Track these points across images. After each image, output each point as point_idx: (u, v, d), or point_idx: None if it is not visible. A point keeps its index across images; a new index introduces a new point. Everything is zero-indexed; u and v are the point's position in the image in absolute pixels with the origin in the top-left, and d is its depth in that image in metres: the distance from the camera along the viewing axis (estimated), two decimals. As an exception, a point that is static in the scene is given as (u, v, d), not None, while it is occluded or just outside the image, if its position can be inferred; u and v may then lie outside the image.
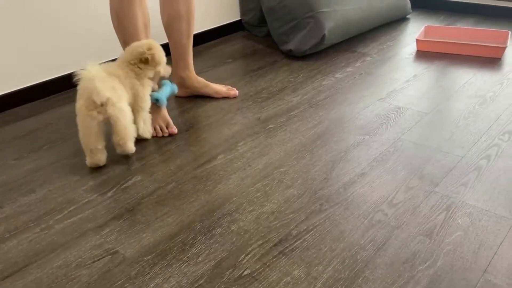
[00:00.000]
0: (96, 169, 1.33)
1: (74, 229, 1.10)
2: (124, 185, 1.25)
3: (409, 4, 2.45)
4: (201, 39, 2.30)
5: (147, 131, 1.44)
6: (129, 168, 1.33)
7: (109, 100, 1.22)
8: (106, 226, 1.10)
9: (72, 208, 1.17)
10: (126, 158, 1.37)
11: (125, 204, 1.18)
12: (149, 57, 1.34)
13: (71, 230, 1.10)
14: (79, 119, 1.26)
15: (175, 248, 1.03)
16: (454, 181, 1.20)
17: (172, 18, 1.57)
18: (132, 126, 1.32)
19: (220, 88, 1.72)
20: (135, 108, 1.37)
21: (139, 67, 1.35)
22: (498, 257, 0.96)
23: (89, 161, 1.32)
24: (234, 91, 1.73)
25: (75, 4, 1.79)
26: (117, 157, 1.38)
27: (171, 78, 1.58)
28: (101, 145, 1.29)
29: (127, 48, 1.37)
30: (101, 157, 1.31)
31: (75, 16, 1.80)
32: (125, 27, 1.41)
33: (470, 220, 1.06)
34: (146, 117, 1.42)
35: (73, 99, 1.77)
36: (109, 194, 1.22)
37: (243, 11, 2.42)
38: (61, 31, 1.78)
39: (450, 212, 1.09)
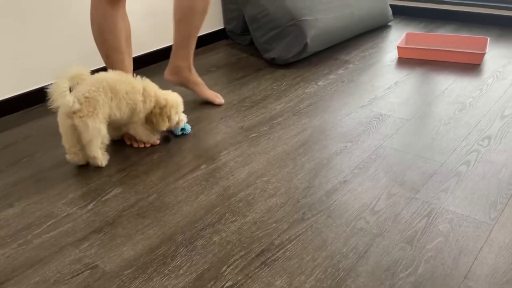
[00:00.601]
0: (76, 181, 1.31)
1: (53, 243, 1.08)
2: (105, 198, 1.23)
3: (390, 12, 2.49)
4: (184, 48, 2.29)
5: (144, 138, 1.45)
6: (110, 179, 1.31)
7: (78, 112, 1.25)
8: (85, 240, 1.09)
9: (51, 222, 1.15)
10: (106, 169, 1.36)
11: (105, 217, 1.16)
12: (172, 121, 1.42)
13: (50, 245, 1.08)
14: (58, 117, 1.30)
15: (156, 261, 1.01)
16: (434, 187, 1.20)
17: (186, 12, 1.54)
18: (98, 142, 1.30)
19: (208, 92, 1.73)
20: (131, 121, 1.40)
21: (152, 118, 1.40)
22: (478, 262, 0.96)
23: (67, 157, 1.36)
24: (220, 99, 1.74)
25: (57, 16, 1.77)
26: (97, 169, 1.36)
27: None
28: (75, 147, 1.32)
29: (167, 95, 1.41)
30: (74, 158, 1.35)
31: (56, 27, 1.78)
32: (107, 39, 1.40)
33: (450, 226, 1.07)
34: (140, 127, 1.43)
35: (53, 111, 1.75)
36: (89, 207, 1.20)
37: (226, 19, 2.43)
38: (41, 43, 1.76)
39: (431, 218, 1.10)
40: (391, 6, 2.64)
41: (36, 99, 1.80)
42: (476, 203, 1.14)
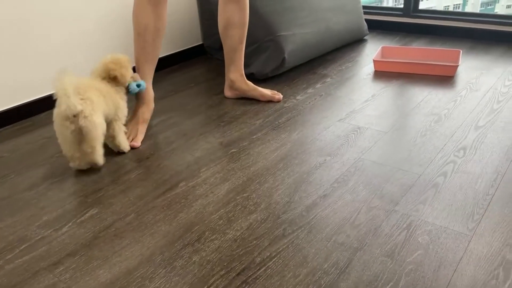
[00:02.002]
0: (51, 203, 1.27)
1: (26, 269, 1.04)
2: (80, 219, 1.20)
3: (365, 26, 2.53)
4: (162, 64, 2.29)
5: (123, 144, 1.50)
6: (86, 200, 1.28)
7: (81, 113, 1.27)
8: (60, 264, 1.05)
9: (24, 246, 1.11)
10: (82, 189, 1.33)
11: (81, 239, 1.13)
12: (118, 74, 1.44)
13: (23, 270, 1.04)
14: (55, 127, 1.32)
15: (133, 284, 0.99)
16: (413, 199, 1.21)
17: (227, 26, 1.74)
18: (102, 139, 1.35)
19: (266, 92, 1.84)
20: (114, 118, 1.44)
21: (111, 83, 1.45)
22: (458, 274, 0.97)
23: (71, 165, 1.39)
24: (279, 96, 1.85)
25: (30, 34, 1.74)
26: (73, 189, 1.33)
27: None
28: (78, 153, 1.35)
29: (98, 65, 1.46)
30: (80, 163, 1.38)
31: (29, 47, 1.75)
32: (136, 23, 1.53)
33: (429, 238, 1.08)
34: (122, 128, 1.49)
35: (27, 130, 1.71)
36: (64, 229, 1.17)
37: (204, 35, 2.43)
38: (13, 62, 1.72)
39: (410, 230, 1.10)
40: (367, 20, 2.69)
41: (8, 119, 1.75)
42: (454, 214, 1.15)
